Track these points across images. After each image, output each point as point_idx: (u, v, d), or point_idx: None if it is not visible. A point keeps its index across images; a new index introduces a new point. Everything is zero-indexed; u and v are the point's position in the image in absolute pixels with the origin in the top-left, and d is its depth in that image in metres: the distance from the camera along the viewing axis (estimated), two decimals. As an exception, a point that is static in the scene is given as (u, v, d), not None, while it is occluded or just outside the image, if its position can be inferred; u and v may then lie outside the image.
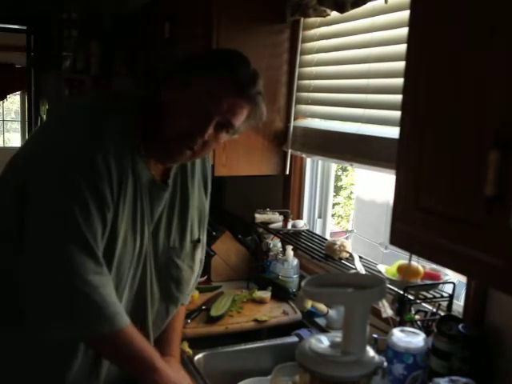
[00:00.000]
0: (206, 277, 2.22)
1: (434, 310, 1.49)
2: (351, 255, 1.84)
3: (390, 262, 1.71)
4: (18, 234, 1.11)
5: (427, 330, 1.41)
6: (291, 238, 2.08)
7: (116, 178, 1.12)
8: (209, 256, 2.21)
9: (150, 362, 1.17)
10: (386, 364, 1.11)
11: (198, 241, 1.39)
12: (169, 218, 1.30)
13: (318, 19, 2.04)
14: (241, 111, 1.16)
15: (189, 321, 1.80)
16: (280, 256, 2.18)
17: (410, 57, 0.93)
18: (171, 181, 1.28)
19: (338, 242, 1.86)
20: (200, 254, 1.42)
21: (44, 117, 4.05)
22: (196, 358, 1.63)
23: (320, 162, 2.28)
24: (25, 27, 4.68)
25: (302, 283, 1.11)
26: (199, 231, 1.40)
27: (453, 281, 1.51)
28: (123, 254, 1.18)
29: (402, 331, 1.34)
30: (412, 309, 1.49)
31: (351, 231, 8.48)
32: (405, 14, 1.51)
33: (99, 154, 1.10)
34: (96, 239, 1.10)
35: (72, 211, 1.07)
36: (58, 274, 1.08)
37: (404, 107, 0.95)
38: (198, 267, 1.42)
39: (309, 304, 1.81)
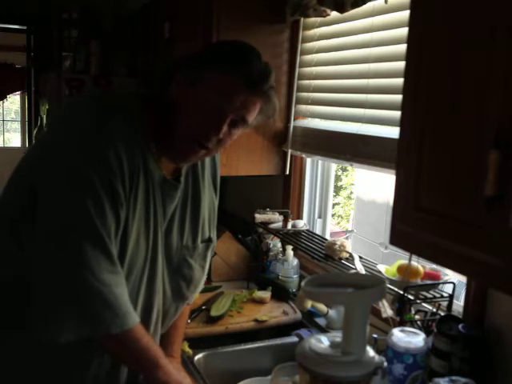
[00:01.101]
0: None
1: (434, 310, 1.49)
2: (351, 255, 1.84)
3: (390, 262, 1.71)
4: (28, 239, 1.10)
5: (427, 330, 1.41)
6: (291, 238, 2.08)
7: (128, 174, 1.10)
8: (209, 256, 2.21)
9: (155, 360, 1.17)
10: (385, 364, 1.11)
11: (210, 240, 1.38)
12: (182, 216, 1.29)
13: (318, 19, 2.04)
14: (254, 107, 1.15)
15: (189, 321, 1.80)
16: (280, 256, 2.18)
17: (409, 57, 0.93)
18: (183, 179, 1.27)
19: (338, 242, 1.86)
20: (210, 253, 1.41)
21: (44, 117, 4.05)
22: (196, 357, 1.63)
23: (320, 162, 2.28)
24: (25, 27, 4.68)
25: (302, 283, 1.11)
26: (210, 230, 1.39)
27: (453, 281, 1.51)
28: (135, 254, 1.17)
29: (402, 331, 1.34)
30: (412, 309, 1.49)
31: (351, 231, 8.49)
32: (405, 14, 1.51)
33: (110, 149, 1.08)
34: (110, 236, 1.08)
35: (86, 208, 1.05)
36: (72, 271, 1.06)
37: (404, 107, 0.95)
38: (207, 267, 1.41)
39: (309, 304, 1.81)
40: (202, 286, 1.43)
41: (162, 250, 1.25)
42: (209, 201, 1.37)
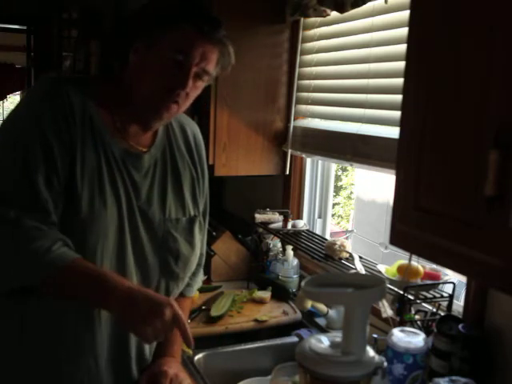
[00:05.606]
0: (206, 277, 2.21)
1: (434, 309, 1.49)
2: (351, 255, 1.84)
3: (390, 262, 1.71)
4: None
5: (427, 330, 1.41)
6: (291, 238, 2.08)
7: (67, 145, 1.13)
8: (209, 256, 2.21)
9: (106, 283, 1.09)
10: (385, 364, 1.10)
11: (194, 216, 1.38)
12: (162, 189, 1.29)
13: (318, 19, 2.04)
14: (212, 56, 1.21)
15: (189, 321, 1.80)
16: (280, 256, 2.18)
17: (409, 57, 0.93)
18: (155, 150, 1.28)
19: (338, 242, 1.86)
20: (199, 231, 1.39)
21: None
22: (196, 357, 1.63)
23: (320, 162, 2.28)
24: (25, 27, 4.69)
25: (302, 283, 1.11)
26: (193, 208, 1.38)
27: (453, 281, 1.51)
28: (91, 222, 1.15)
29: (401, 331, 1.34)
30: (412, 309, 1.49)
31: (351, 231, 8.50)
32: (405, 14, 1.51)
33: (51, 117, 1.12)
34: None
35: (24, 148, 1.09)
36: None
37: (404, 107, 0.94)
38: (198, 244, 1.38)
39: (309, 304, 1.81)
40: (193, 265, 1.40)
41: (139, 222, 1.24)
42: (189, 180, 1.37)
